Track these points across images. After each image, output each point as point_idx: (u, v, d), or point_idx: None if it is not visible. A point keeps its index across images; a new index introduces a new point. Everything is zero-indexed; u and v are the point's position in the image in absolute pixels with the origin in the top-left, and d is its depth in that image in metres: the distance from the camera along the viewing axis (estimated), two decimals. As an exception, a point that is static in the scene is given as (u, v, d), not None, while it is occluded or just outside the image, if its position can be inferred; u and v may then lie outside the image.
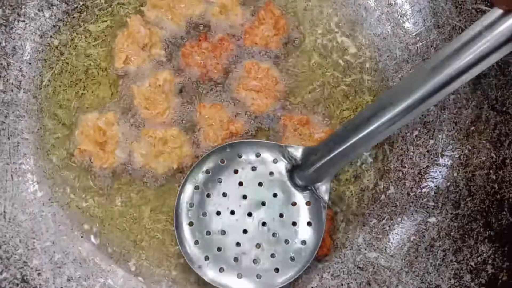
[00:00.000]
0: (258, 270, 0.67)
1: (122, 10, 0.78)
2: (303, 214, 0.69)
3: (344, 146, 0.62)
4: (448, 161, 0.73)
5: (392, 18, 0.78)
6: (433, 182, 0.72)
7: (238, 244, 0.68)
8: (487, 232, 0.65)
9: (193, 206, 0.69)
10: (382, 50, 0.78)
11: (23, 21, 0.75)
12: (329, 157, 0.64)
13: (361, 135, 0.61)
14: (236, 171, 0.70)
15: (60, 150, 0.73)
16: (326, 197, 0.67)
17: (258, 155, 0.71)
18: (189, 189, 0.69)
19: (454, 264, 0.65)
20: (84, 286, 0.67)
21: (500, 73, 0.70)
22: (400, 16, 0.78)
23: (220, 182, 0.70)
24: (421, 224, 0.70)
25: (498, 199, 0.66)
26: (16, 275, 0.64)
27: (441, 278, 0.65)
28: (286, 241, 0.68)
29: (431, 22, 0.76)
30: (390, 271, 0.68)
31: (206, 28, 0.77)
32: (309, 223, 0.68)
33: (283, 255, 0.67)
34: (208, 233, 0.68)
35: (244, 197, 0.69)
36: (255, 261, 0.67)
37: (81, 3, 0.77)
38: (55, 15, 0.76)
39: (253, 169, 0.70)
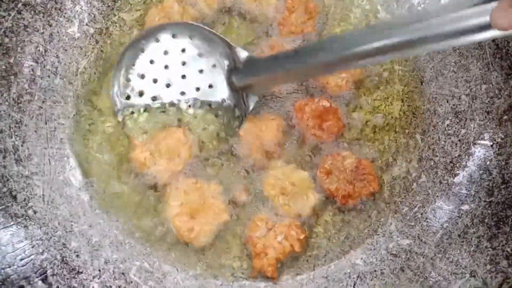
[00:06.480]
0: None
1: (155, -1, 0.79)
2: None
3: (285, 69, 0.61)
4: (480, 150, 0.73)
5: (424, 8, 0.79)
6: (465, 171, 0.73)
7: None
8: (523, 219, 0.65)
9: (134, 65, 0.72)
10: (414, 40, 0.78)
11: (60, 8, 0.76)
12: (266, 75, 0.65)
13: (305, 63, 0.58)
14: (183, 50, 0.73)
15: (96, 136, 0.74)
16: (251, 107, 0.71)
17: (207, 45, 0.72)
18: (135, 49, 0.72)
19: (489, 250, 0.65)
20: (121, 269, 0.67)
21: (533, 62, 0.70)
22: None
23: (166, 54, 0.72)
24: (454, 212, 0.70)
25: (533, 186, 0.67)
26: (56, 256, 0.65)
27: (477, 264, 0.65)
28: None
29: (462, 12, 0.76)
30: (423, 257, 0.68)
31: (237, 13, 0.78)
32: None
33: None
34: (141, 94, 0.72)
35: (183, 76, 0.72)
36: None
37: (115, -8, 0.79)
38: (90, 3, 0.78)
39: (200, 55, 0.73)
